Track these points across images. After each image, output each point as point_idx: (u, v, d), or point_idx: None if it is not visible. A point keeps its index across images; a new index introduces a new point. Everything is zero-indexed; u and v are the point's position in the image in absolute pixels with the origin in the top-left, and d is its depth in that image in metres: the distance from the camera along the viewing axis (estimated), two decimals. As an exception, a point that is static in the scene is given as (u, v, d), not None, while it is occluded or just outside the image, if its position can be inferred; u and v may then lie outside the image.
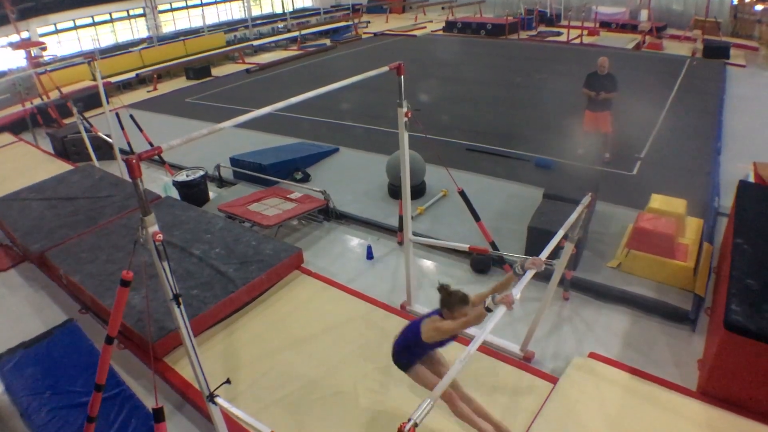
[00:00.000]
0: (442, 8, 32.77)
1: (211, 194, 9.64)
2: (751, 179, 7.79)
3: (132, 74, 20.41)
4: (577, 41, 22.46)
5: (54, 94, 16.48)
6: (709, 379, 4.65)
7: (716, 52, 18.37)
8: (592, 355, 5.22)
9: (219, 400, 4.03)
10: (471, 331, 5.58)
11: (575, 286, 6.43)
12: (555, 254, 4.49)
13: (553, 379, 4.97)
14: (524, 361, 5.38)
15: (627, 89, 11.35)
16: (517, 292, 3.60)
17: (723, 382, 4.54)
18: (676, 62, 17.84)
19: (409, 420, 2.61)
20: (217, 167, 10.28)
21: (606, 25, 24.95)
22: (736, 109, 12.78)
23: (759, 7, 21.66)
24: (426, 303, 6.39)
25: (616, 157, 9.79)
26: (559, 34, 24.39)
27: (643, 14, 25.20)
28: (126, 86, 19.95)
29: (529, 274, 3.91)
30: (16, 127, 14.93)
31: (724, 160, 9.72)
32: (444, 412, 3.88)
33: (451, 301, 3.79)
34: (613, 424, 4.42)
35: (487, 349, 5.39)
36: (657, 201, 7.01)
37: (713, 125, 11.50)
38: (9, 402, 5.37)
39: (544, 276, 4.78)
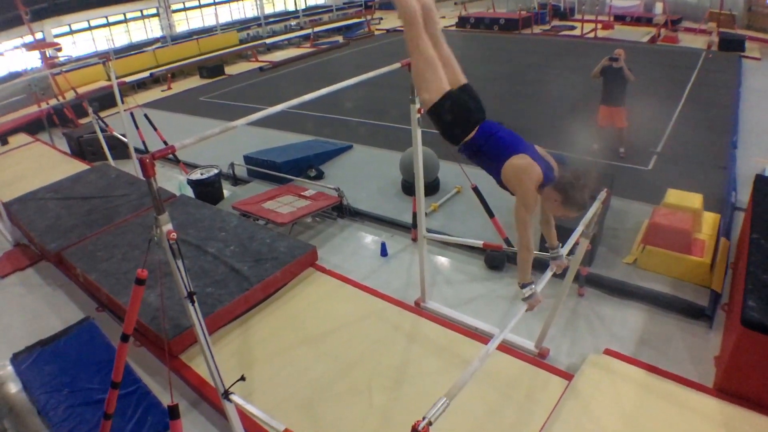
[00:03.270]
0: (455, 3, 32.67)
1: (226, 192, 9.69)
2: (769, 173, 7.70)
3: (146, 74, 20.54)
4: (591, 35, 22.27)
5: (69, 95, 16.64)
6: (726, 376, 4.60)
7: (731, 45, 18.12)
8: (608, 352, 5.19)
9: (234, 397, 4.05)
10: (491, 329, 5.62)
11: (590, 282, 6.38)
12: (570, 250, 4.46)
13: (568, 376, 4.95)
14: (539, 358, 5.35)
15: (642, 83, 11.24)
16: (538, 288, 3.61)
17: (740, 380, 4.50)
18: (691, 55, 17.65)
19: (423, 418, 2.60)
20: (231, 165, 10.32)
21: (620, 18, 24.75)
22: (753, 103, 12.62)
23: (772, 1, 21.43)
24: (440, 300, 6.39)
25: (631, 151, 9.71)
26: (572, 28, 24.23)
27: (658, 7, 24.94)
28: (140, 86, 20.08)
29: (549, 273, 3.92)
30: (33, 127, 15.08)
31: (740, 154, 9.59)
32: (458, 411, 3.85)
33: (570, 195, 3.35)
34: (628, 421, 4.39)
35: (501, 345, 5.34)
36: (673, 196, 6.94)
37: (729, 119, 11.36)
38: (26, 399, 5.43)
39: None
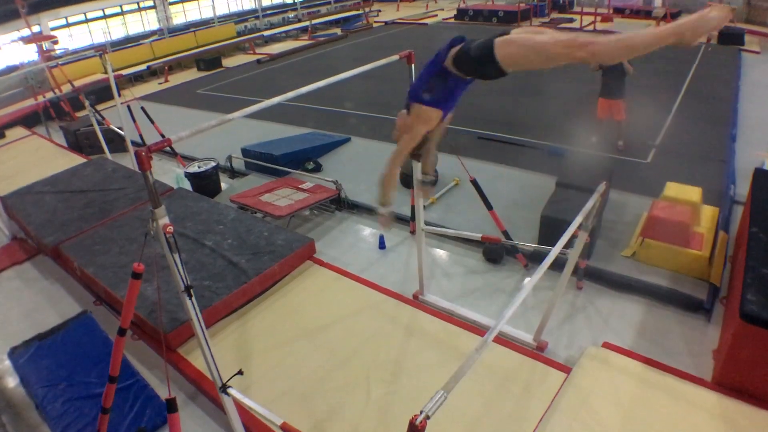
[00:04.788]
0: (453, -5, 32.59)
1: (223, 185, 9.67)
2: (767, 167, 7.69)
3: (143, 66, 20.47)
4: (591, 28, 22.21)
5: (66, 88, 16.54)
6: (724, 369, 4.60)
7: (731, 38, 18.07)
8: (606, 345, 5.19)
9: (232, 390, 4.04)
10: (489, 321, 5.61)
11: (589, 275, 6.38)
12: (569, 243, 4.45)
13: (566, 369, 4.95)
14: (537, 351, 5.35)
15: (641, 76, 11.21)
16: None
17: (738, 373, 4.50)
18: (690, 48, 17.57)
19: (420, 412, 2.58)
20: (229, 158, 10.29)
21: (620, 11, 24.65)
22: (752, 96, 12.59)
23: (771, -5, 21.36)
24: (438, 293, 6.39)
25: (630, 144, 9.69)
26: (572, 20, 24.15)
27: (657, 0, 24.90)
28: (137, 78, 20.02)
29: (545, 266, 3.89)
30: (29, 120, 15.04)
31: (739, 148, 9.58)
32: (456, 404, 3.85)
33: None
34: (626, 414, 4.39)
35: (499, 338, 5.36)
36: (672, 189, 6.93)
37: (729, 112, 11.34)
38: (24, 394, 5.43)
39: (557, 265, 4.73)
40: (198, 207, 7.94)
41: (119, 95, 9.79)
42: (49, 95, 16.20)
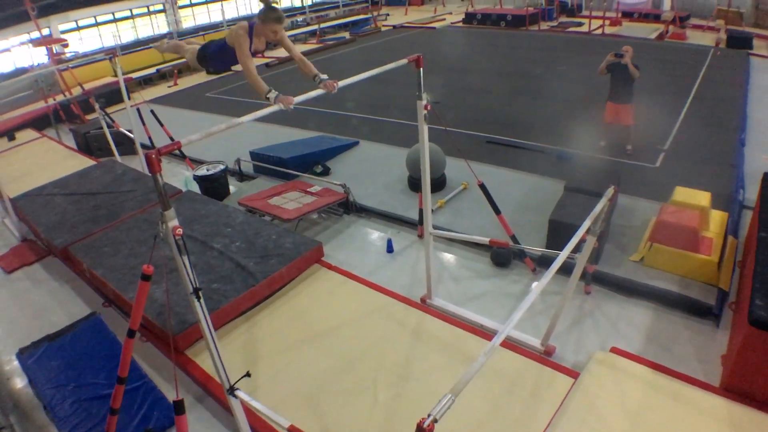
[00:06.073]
0: (462, 0, 32.59)
1: (232, 188, 9.69)
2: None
3: (153, 70, 20.58)
4: (599, 32, 22.17)
5: (76, 91, 16.64)
6: (733, 375, 4.57)
7: (739, 42, 18.03)
8: (614, 350, 5.17)
9: (239, 393, 4.05)
10: (497, 326, 5.60)
11: (597, 280, 6.36)
12: (577, 248, 4.44)
13: (574, 374, 4.93)
14: (545, 356, 5.33)
15: (650, 80, 11.18)
16: None
17: (747, 379, 4.47)
18: (699, 52, 17.55)
19: (428, 416, 2.58)
20: (238, 161, 10.32)
21: (628, 14, 24.61)
22: (761, 100, 12.53)
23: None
24: (446, 296, 6.38)
25: (638, 149, 9.65)
26: (580, 24, 24.10)
27: (666, 3, 24.82)
28: (147, 82, 20.12)
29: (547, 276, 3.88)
30: (40, 123, 15.11)
31: (748, 152, 9.54)
32: (464, 408, 3.83)
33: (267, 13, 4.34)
34: (634, 420, 4.37)
35: (507, 342, 5.34)
36: (681, 193, 6.90)
37: (738, 116, 11.29)
38: (32, 394, 5.46)
39: (565, 269, 4.72)
40: (206, 210, 7.97)
41: (129, 98, 9.84)
42: (60, 98, 16.30)
